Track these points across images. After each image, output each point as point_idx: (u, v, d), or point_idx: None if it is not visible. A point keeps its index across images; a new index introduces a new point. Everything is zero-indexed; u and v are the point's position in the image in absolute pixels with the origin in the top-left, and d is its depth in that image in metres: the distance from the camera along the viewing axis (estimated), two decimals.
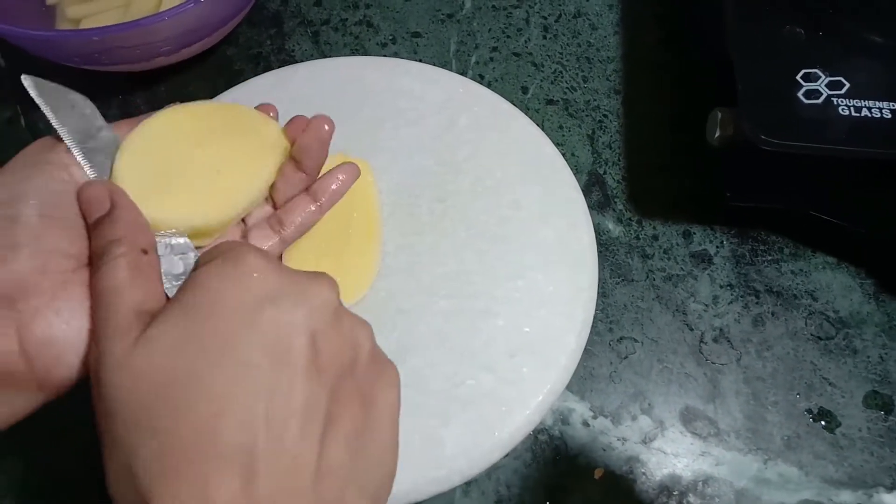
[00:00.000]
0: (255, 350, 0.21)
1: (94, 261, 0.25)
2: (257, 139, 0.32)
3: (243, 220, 0.33)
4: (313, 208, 0.33)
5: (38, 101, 0.27)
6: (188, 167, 0.30)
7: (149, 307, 0.23)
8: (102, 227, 0.25)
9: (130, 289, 0.23)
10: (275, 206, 0.33)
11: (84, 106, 0.29)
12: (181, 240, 0.28)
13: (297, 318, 0.22)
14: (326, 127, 0.33)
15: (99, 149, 0.28)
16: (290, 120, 0.33)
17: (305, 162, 0.32)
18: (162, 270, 0.26)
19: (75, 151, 0.27)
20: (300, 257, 0.38)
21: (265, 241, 0.32)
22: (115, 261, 0.24)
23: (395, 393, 0.25)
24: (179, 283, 0.26)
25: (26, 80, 0.27)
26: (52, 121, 0.27)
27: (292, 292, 0.23)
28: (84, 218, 0.26)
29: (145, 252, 0.25)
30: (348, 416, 0.23)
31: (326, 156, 0.33)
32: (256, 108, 0.33)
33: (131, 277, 0.24)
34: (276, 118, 0.33)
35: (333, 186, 0.33)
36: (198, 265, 0.24)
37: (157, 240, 0.27)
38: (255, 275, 0.23)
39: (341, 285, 0.36)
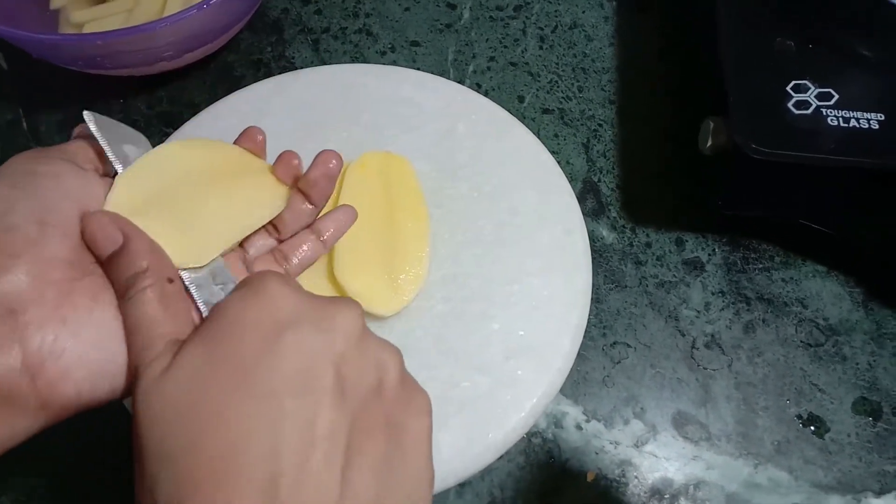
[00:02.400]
0: (277, 376, 0.21)
1: (121, 293, 0.24)
2: (256, 180, 0.32)
3: (244, 249, 0.32)
4: (318, 243, 0.33)
5: (96, 135, 0.27)
6: (181, 200, 0.28)
7: (179, 335, 0.23)
8: (121, 260, 0.24)
9: (162, 320, 0.23)
10: (279, 240, 0.33)
11: (138, 141, 0.30)
12: (222, 268, 0.28)
13: (320, 343, 0.22)
14: (334, 162, 0.32)
15: None
16: (280, 156, 0.32)
17: (314, 195, 0.32)
18: (201, 300, 0.26)
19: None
20: (350, 265, 0.39)
21: None
22: (143, 293, 0.24)
23: (426, 420, 0.24)
24: None
25: (87, 115, 0.27)
26: (108, 154, 0.27)
27: (315, 318, 0.23)
28: (91, 250, 0.25)
29: (171, 281, 0.25)
30: (375, 443, 0.22)
31: (334, 188, 0.33)
32: (242, 133, 0.33)
33: (161, 308, 0.24)
34: (264, 140, 0.33)
35: (332, 228, 0.34)
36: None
37: (198, 269, 0.27)
38: (276, 301, 0.23)
39: (387, 296, 0.37)
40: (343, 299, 0.24)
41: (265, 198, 0.31)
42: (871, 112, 0.36)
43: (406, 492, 0.23)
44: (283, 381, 0.21)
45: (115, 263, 0.24)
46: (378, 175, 0.42)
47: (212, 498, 0.19)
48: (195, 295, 0.26)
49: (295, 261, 0.32)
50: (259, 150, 0.33)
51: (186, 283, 0.26)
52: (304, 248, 0.33)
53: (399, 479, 0.22)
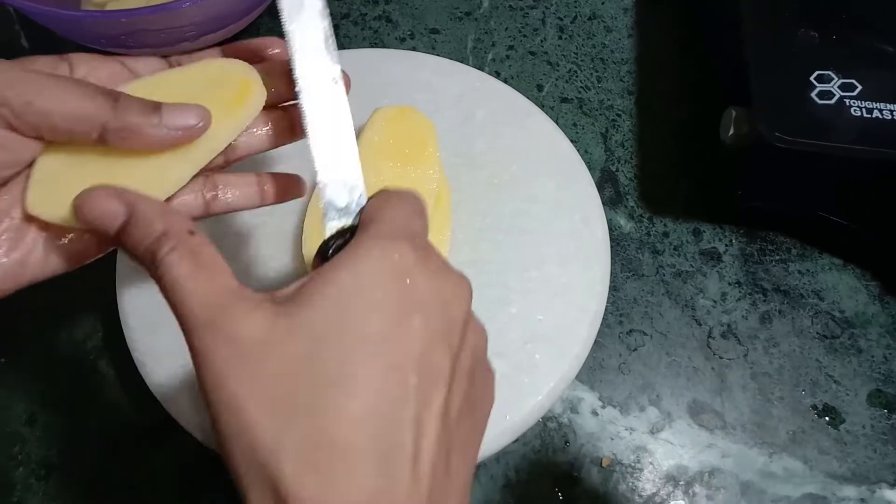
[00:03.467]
0: (402, 354, 0.21)
1: (147, 263, 0.23)
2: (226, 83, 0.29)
3: None
4: (255, 194, 0.31)
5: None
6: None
7: (229, 284, 0.22)
8: (133, 231, 0.23)
9: (201, 276, 0.22)
10: (224, 163, 0.31)
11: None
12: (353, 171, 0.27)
13: (443, 330, 0.22)
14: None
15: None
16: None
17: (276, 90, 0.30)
18: (325, 200, 0.26)
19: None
20: None
21: (191, 203, 0.30)
22: (170, 256, 0.22)
23: (490, 408, 0.26)
24: (343, 219, 0.26)
25: None
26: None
27: (440, 302, 0.23)
28: (95, 230, 0.24)
29: (192, 233, 0.23)
30: (465, 424, 0.23)
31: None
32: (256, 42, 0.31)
33: (195, 265, 0.22)
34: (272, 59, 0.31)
35: (275, 190, 0.32)
36: (363, 215, 0.25)
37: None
38: (408, 280, 0.22)
39: None
40: (460, 279, 0.24)
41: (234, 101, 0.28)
42: (894, 103, 0.36)
43: (467, 466, 0.24)
44: (408, 359, 0.21)
45: (128, 235, 0.23)
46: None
47: (341, 457, 0.20)
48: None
49: (221, 198, 0.30)
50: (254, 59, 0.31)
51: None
52: (237, 192, 0.30)
53: (467, 454, 0.24)
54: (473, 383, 0.24)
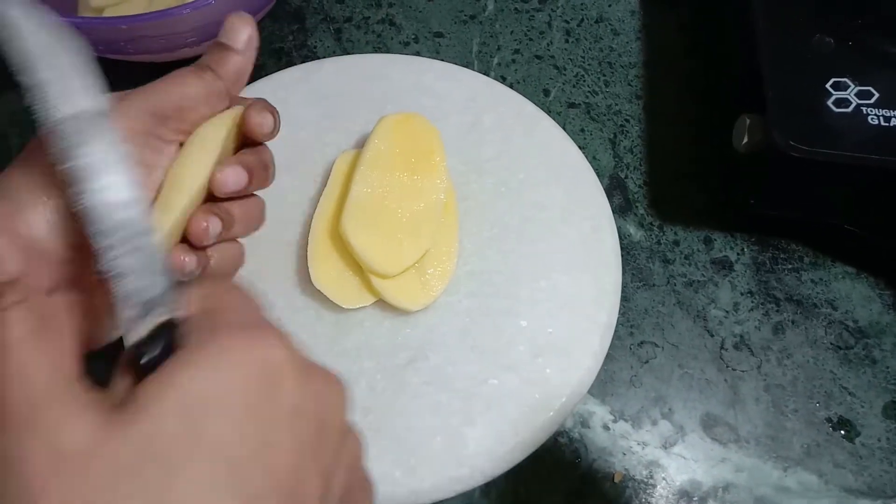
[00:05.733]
0: (261, 485, 0.17)
1: None
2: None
3: None
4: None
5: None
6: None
7: (68, 370, 0.18)
8: None
9: (41, 348, 0.18)
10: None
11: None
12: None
13: (313, 448, 0.19)
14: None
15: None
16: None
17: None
18: (122, 292, 0.20)
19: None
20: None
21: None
22: (11, 311, 0.18)
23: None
24: (154, 313, 0.19)
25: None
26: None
27: (315, 410, 0.19)
28: None
29: (52, 292, 0.19)
30: None
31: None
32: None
33: (37, 333, 0.18)
34: (275, 120, 0.30)
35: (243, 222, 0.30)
36: (192, 305, 0.20)
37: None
38: (276, 383, 0.18)
39: (415, 290, 0.37)
40: (335, 380, 0.21)
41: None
42: None
43: None
44: (268, 487, 0.17)
45: None
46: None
47: None
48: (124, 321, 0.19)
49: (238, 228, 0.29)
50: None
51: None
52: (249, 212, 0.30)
53: None
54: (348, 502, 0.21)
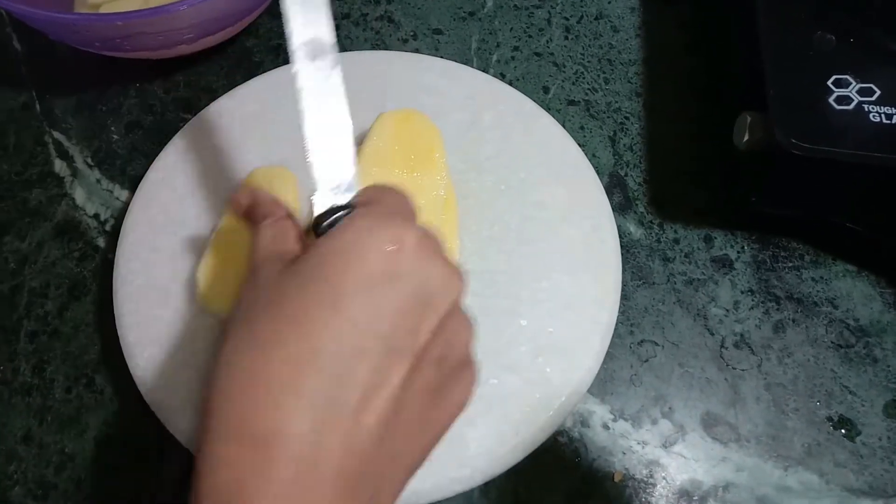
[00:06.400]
0: (365, 318, 0.22)
1: (255, 224, 0.29)
2: None
3: None
4: None
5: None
6: None
7: (282, 252, 0.27)
8: (256, 210, 0.30)
9: (272, 246, 0.27)
10: None
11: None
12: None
13: (419, 309, 0.24)
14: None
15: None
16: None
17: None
18: (317, 176, 0.28)
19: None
20: None
21: None
22: (265, 227, 0.28)
23: (458, 409, 0.26)
24: (335, 197, 0.27)
25: None
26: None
27: (425, 283, 0.24)
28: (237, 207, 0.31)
29: (284, 218, 0.29)
30: (419, 418, 0.24)
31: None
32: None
33: (273, 238, 0.28)
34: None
35: None
36: (361, 197, 0.27)
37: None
38: (399, 253, 0.24)
39: None
40: (454, 271, 0.26)
41: None
42: None
43: (413, 454, 0.25)
44: (370, 323, 0.22)
45: (253, 213, 0.30)
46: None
47: (279, 389, 0.21)
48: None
49: None
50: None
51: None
52: None
53: (417, 441, 0.25)
54: (442, 374, 0.25)
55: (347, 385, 0.22)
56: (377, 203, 0.27)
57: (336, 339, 0.22)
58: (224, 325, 0.25)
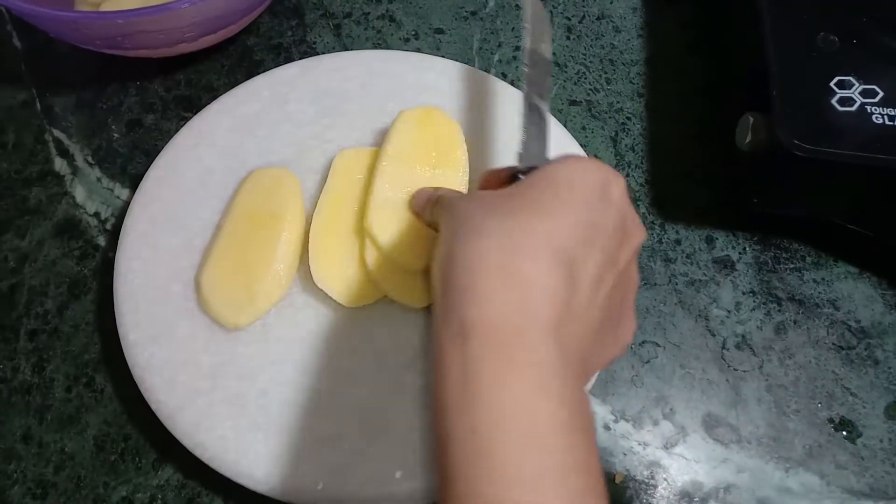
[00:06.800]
0: (593, 218, 0.26)
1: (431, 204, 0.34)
2: None
3: None
4: None
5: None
6: None
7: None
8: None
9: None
10: None
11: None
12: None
13: (618, 235, 0.27)
14: None
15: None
16: None
17: None
18: (523, 140, 0.32)
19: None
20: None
21: None
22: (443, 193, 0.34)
23: (627, 340, 0.29)
24: (532, 160, 0.32)
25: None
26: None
27: (623, 222, 0.27)
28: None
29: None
30: (604, 326, 0.27)
31: None
32: None
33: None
34: None
35: None
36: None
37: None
38: (607, 188, 0.27)
39: (422, 288, 0.38)
40: (642, 225, 0.28)
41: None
42: None
43: (611, 347, 0.28)
44: (595, 223, 0.26)
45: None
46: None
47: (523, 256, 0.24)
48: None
49: None
50: None
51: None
52: None
53: (594, 355, 0.27)
54: (618, 309, 0.28)
55: (579, 263, 0.25)
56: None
57: (572, 228, 0.25)
58: (458, 224, 0.27)
